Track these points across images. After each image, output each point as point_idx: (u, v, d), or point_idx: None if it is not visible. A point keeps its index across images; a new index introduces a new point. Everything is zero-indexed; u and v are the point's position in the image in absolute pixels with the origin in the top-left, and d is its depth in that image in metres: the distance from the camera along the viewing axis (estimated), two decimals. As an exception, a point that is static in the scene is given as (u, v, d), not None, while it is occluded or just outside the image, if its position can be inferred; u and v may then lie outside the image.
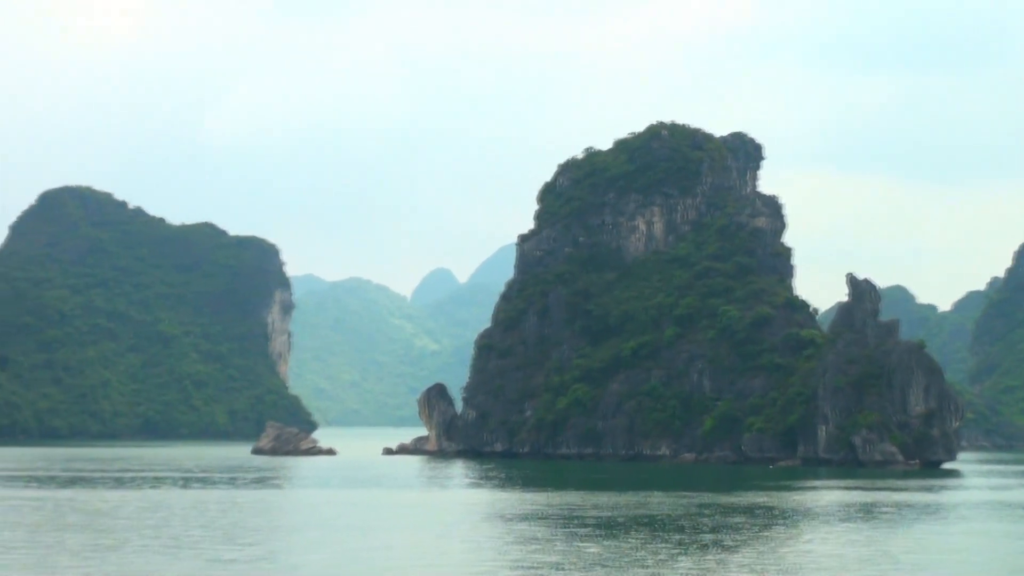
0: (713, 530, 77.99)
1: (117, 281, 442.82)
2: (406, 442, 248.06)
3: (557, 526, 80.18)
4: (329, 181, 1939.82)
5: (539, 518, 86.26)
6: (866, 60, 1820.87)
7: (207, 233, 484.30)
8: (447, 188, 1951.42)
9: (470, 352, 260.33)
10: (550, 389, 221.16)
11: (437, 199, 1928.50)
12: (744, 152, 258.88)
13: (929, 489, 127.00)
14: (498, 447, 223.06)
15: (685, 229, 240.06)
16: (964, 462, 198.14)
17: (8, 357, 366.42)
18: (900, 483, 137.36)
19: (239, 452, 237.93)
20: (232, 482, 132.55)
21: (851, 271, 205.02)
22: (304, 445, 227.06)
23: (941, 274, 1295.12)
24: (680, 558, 62.73)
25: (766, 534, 76.20)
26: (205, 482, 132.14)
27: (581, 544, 68.64)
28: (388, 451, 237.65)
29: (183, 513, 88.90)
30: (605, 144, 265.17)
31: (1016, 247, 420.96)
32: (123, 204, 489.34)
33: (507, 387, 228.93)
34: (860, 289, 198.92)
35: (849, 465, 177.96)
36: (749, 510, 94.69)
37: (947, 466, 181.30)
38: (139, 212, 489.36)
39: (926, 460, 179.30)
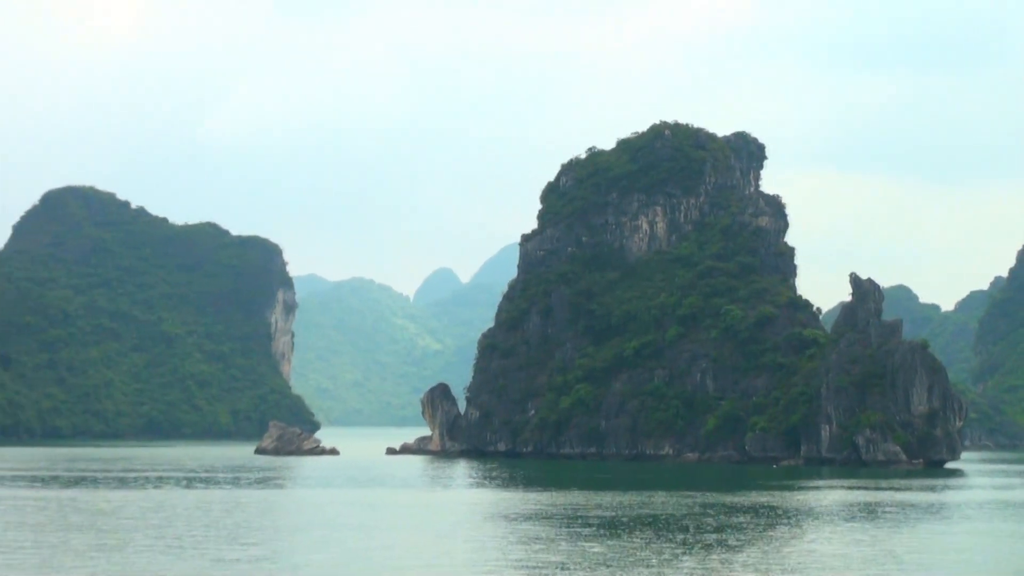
0: (717, 530, 77.93)
1: (120, 281, 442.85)
2: (409, 442, 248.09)
3: (560, 526, 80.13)
4: (332, 181, 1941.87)
5: (542, 518, 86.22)
6: (868, 60, 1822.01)
7: (210, 233, 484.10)
8: (450, 188, 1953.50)
9: (473, 352, 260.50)
10: (553, 389, 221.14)
11: (440, 199, 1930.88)
12: (747, 152, 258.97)
13: (932, 489, 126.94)
14: (501, 447, 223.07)
15: (688, 229, 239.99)
16: (967, 461, 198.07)
17: (11, 357, 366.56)
18: (903, 483, 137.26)
19: (242, 452, 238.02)
20: (235, 482, 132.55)
21: (854, 271, 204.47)
22: (307, 445, 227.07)
23: (944, 274, 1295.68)
24: (684, 558, 62.69)
25: (770, 534, 76.14)
26: (208, 482, 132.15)
27: (585, 544, 68.58)
28: (391, 451, 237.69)
29: (186, 513, 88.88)
30: (608, 144, 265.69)
31: (1019, 246, 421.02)
32: (126, 204, 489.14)
33: (510, 387, 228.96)
34: (863, 289, 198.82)
35: (852, 465, 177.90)
36: (752, 510, 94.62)
37: (950, 466, 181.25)
38: (142, 212, 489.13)
39: (929, 460, 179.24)
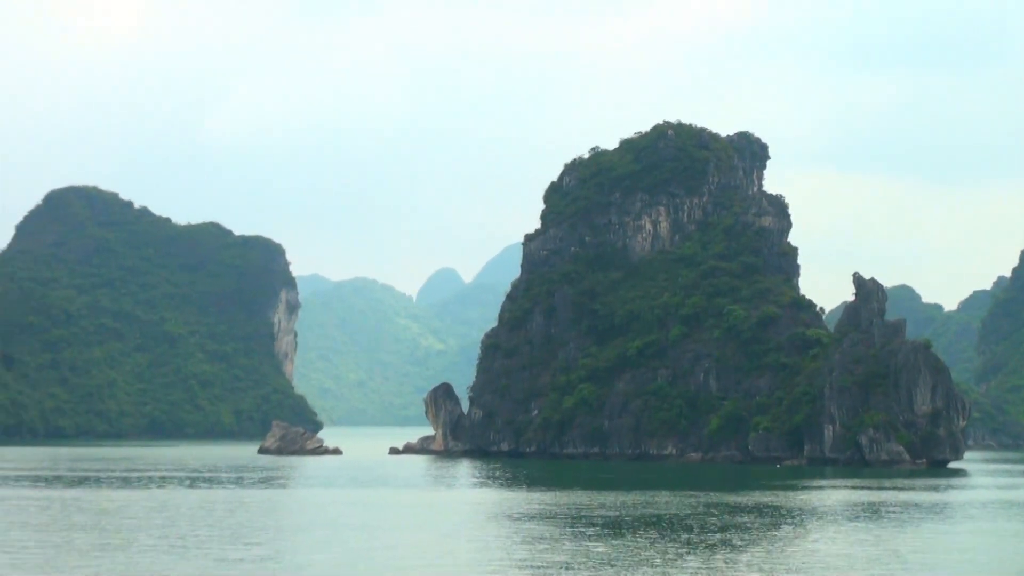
0: (720, 529, 77.90)
1: (123, 281, 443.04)
2: (412, 442, 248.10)
3: (564, 525, 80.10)
4: (334, 181, 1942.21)
5: (546, 517, 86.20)
6: (869, 60, 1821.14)
7: (213, 233, 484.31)
8: (452, 188, 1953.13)
9: (475, 352, 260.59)
10: (556, 389, 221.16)
11: (442, 199, 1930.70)
12: (750, 152, 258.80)
13: (936, 488, 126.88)
14: (504, 447, 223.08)
15: (691, 228, 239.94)
16: (970, 461, 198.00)
17: (14, 357, 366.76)
18: (906, 482, 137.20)
19: (245, 452, 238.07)
20: (238, 482, 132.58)
21: (857, 271, 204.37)
22: (310, 445, 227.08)
23: (947, 273, 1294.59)
24: (688, 557, 62.67)
25: (773, 533, 76.11)
26: (211, 482, 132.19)
27: (589, 543, 68.55)
28: (394, 451, 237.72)
29: (190, 513, 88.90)
30: (611, 144, 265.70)
31: (1022, 246, 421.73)
32: (129, 204, 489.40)
33: (513, 387, 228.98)
34: (866, 289, 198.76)
35: (855, 464, 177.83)
36: (756, 509, 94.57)
37: (953, 465, 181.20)
38: (145, 212, 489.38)
39: (932, 459, 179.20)
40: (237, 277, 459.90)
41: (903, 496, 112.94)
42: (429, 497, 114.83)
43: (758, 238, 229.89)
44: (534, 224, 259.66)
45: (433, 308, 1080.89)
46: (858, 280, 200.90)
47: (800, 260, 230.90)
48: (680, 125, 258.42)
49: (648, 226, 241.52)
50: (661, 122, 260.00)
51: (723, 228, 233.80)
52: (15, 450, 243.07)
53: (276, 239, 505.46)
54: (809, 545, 70.21)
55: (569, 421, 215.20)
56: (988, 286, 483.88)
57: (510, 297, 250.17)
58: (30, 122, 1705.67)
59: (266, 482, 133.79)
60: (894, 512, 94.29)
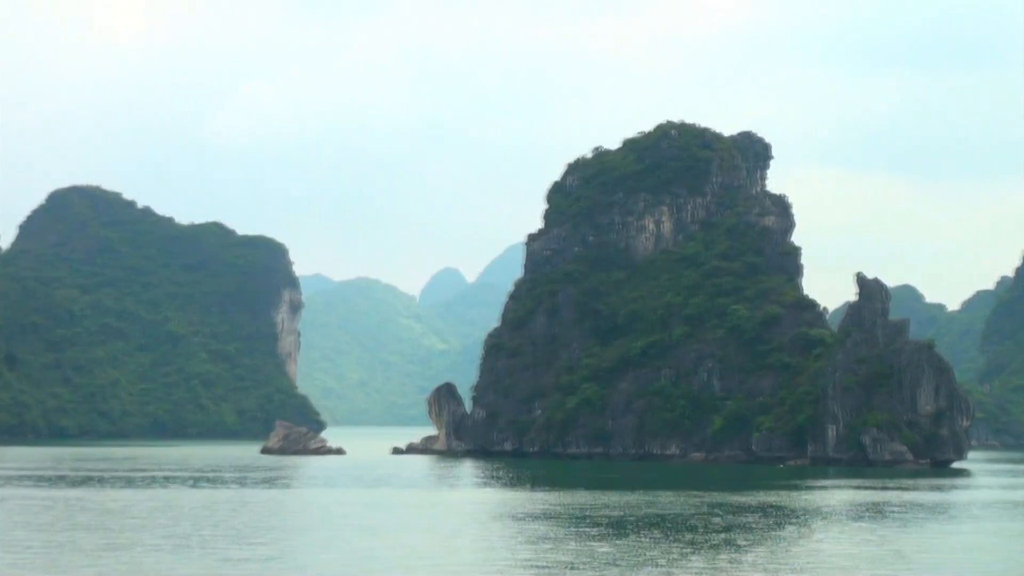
0: (724, 529, 77.89)
1: (126, 280, 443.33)
2: (415, 441, 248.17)
3: (568, 525, 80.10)
4: (337, 181, 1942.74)
5: (549, 518, 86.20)
6: (873, 60, 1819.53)
7: (215, 233, 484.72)
8: (455, 187, 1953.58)
9: (478, 352, 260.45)
10: (559, 388, 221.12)
11: (445, 199, 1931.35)
12: (753, 151, 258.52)
13: (939, 488, 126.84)
14: (507, 446, 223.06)
15: (694, 228, 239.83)
16: (973, 461, 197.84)
17: (17, 356, 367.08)
18: (910, 482, 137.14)
19: (248, 451, 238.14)
20: (242, 482, 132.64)
21: (860, 270, 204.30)
22: (313, 445, 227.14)
23: (950, 273, 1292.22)
24: (692, 557, 62.65)
25: (777, 533, 76.10)
26: (215, 482, 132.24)
27: (593, 543, 68.52)
28: (397, 450, 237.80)
29: (193, 513, 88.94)
30: (614, 143, 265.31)
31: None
32: (132, 203, 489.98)
33: (516, 387, 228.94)
34: (869, 288, 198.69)
35: (858, 464, 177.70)
36: (760, 509, 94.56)
37: (957, 465, 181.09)
38: (148, 212, 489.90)
39: (936, 459, 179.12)
40: (240, 277, 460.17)
41: (906, 496, 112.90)
42: (432, 497, 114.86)
43: (761, 238, 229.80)
44: (537, 224, 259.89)
45: (436, 308, 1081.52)
46: (861, 280, 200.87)
47: (803, 260, 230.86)
48: (683, 125, 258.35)
49: (651, 226, 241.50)
50: (664, 122, 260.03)
51: (726, 228, 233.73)
52: (18, 450, 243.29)
53: (279, 239, 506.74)
54: (813, 545, 70.21)
55: (572, 421, 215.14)
56: (991, 286, 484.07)
57: (513, 297, 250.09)
58: (33, 122, 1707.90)
59: (269, 482, 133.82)
60: (898, 512, 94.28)
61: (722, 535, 74.18)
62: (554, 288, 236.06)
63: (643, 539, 71.05)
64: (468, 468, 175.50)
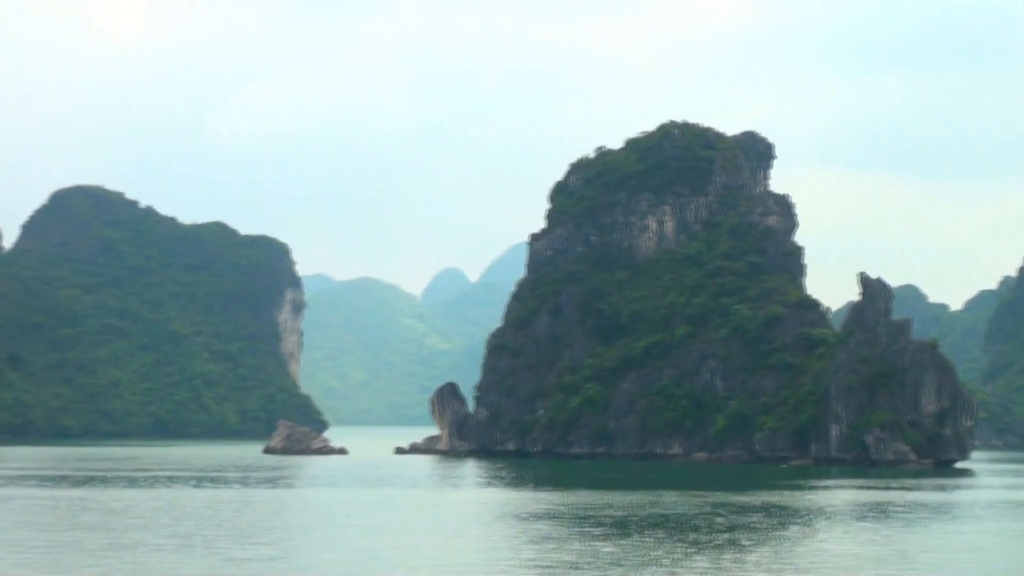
0: (728, 529, 77.83)
1: (128, 280, 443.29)
2: (417, 441, 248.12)
3: (571, 525, 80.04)
4: (340, 181, 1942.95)
5: (553, 517, 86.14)
6: (876, 59, 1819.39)
7: (218, 232, 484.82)
8: (458, 187, 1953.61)
9: (481, 351, 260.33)
10: (562, 388, 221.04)
11: (448, 198, 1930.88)
12: (755, 151, 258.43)
13: (942, 488, 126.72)
14: (510, 446, 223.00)
15: (697, 228, 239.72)
16: (977, 461, 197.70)
17: (20, 356, 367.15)
18: (913, 482, 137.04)
19: (250, 451, 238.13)
20: (244, 481, 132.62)
21: (862, 270, 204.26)
22: (315, 444, 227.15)
23: (953, 273, 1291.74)
24: (696, 557, 62.59)
25: (781, 533, 76.04)
26: (218, 481, 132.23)
27: (596, 543, 68.45)
28: (400, 450, 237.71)
29: (196, 512, 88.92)
30: (616, 143, 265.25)
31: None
32: (134, 203, 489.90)
33: (519, 386, 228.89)
34: (872, 288, 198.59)
35: (861, 464, 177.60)
36: (763, 509, 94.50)
37: (960, 465, 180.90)
38: (150, 211, 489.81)
39: (939, 459, 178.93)
40: (242, 277, 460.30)
41: (910, 496, 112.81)
42: (435, 497, 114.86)
43: (764, 238, 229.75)
44: (539, 224, 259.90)
45: (438, 308, 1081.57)
46: (864, 280, 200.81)
47: (806, 260, 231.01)
48: (686, 124, 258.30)
49: (654, 226, 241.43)
50: (667, 121, 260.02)
51: (729, 228, 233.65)
52: (21, 450, 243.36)
53: (281, 239, 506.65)
54: (817, 545, 70.15)
55: (575, 421, 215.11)
56: (994, 286, 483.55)
57: (516, 297, 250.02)
58: (36, 122, 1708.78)
59: (272, 482, 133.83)
60: (901, 512, 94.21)
61: (726, 535, 74.12)
62: (557, 288, 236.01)
63: (647, 539, 71.01)
64: (471, 468, 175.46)
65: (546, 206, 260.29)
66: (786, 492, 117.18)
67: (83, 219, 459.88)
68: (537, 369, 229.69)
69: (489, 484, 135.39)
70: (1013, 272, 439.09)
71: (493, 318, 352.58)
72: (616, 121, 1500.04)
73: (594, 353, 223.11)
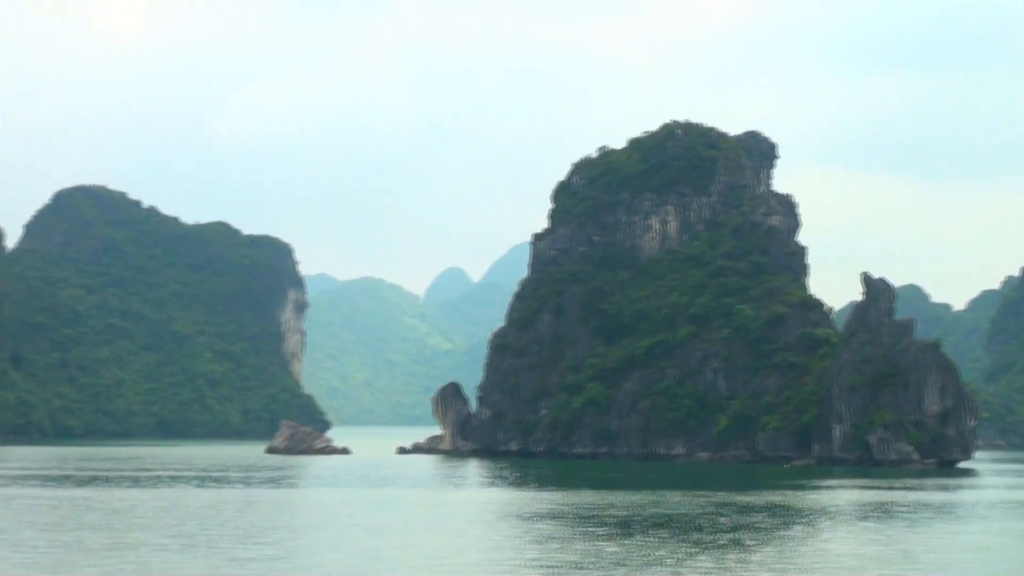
0: (731, 529, 77.80)
1: (131, 280, 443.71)
2: (420, 441, 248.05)
3: (574, 525, 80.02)
4: (342, 180, 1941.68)
5: (556, 517, 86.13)
6: (878, 59, 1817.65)
7: (221, 232, 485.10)
8: (460, 187, 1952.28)
9: (483, 351, 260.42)
10: (565, 388, 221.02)
11: (450, 198, 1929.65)
12: (758, 151, 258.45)
13: (945, 488, 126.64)
14: (513, 446, 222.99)
15: (699, 228, 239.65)
16: (980, 461, 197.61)
17: (22, 356, 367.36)
18: (916, 482, 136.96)
19: (253, 451, 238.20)
20: (247, 481, 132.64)
21: (865, 270, 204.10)
22: (318, 444, 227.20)
23: (956, 273, 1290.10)
24: (700, 557, 62.55)
25: (784, 533, 76.01)
26: (220, 481, 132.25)
27: (600, 543, 68.42)
28: (402, 450, 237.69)
29: (199, 512, 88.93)
30: (619, 143, 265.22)
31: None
32: (137, 203, 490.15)
33: (521, 386, 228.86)
34: (875, 288, 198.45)
35: (864, 464, 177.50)
36: (766, 509, 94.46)
37: (963, 465, 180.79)
38: (153, 211, 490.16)
39: (942, 459, 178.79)
40: (245, 277, 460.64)
41: (913, 496, 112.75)
42: (438, 497, 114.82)
43: (767, 237, 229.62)
44: (542, 223, 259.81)
45: (441, 307, 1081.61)
46: (867, 279, 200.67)
47: (809, 259, 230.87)
48: (688, 124, 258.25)
49: (656, 225, 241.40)
50: (669, 121, 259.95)
51: (731, 227, 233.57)
52: (24, 450, 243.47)
53: (284, 239, 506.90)
54: (820, 545, 70.11)
55: (577, 421, 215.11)
56: (997, 285, 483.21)
57: (518, 296, 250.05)
58: (38, 122, 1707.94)
59: (275, 482, 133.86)
60: (904, 512, 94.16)
61: (729, 535, 74.09)
62: (560, 288, 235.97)
63: (650, 539, 70.98)
64: (473, 468, 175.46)
65: (549, 206, 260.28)
66: (789, 492, 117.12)
67: (86, 219, 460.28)
68: (540, 369, 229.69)
69: (492, 484, 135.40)
70: (1016, 272, 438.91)
71: (495, 318, 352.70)
72: (616, 121, 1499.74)
73: (597, 353, 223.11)
